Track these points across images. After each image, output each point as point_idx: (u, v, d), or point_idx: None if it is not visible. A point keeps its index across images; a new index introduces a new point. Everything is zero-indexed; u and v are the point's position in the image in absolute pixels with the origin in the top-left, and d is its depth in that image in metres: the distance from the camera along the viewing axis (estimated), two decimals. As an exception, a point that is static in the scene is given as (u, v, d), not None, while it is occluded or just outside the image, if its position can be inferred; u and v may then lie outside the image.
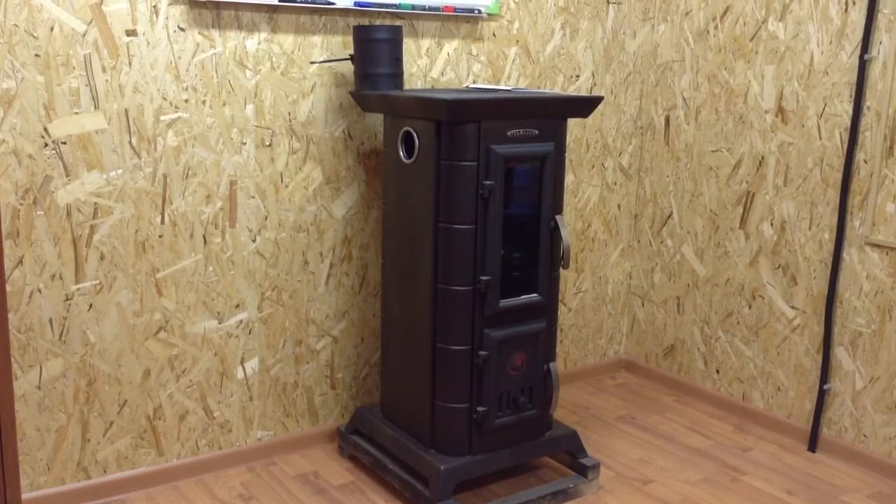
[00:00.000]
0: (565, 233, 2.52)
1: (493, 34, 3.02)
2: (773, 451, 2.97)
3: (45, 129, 2.28)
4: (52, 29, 2.25)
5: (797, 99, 2.93)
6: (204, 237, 2.58)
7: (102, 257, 2.43)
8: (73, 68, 2.29)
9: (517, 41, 3.08)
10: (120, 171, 2.41)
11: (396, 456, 2.62)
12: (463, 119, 2.31)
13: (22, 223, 2.30)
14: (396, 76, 2.60)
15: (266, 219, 2.68)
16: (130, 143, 2.41)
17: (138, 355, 2.53)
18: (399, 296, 2.59)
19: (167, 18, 2.41)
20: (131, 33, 2.36)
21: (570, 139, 3.30)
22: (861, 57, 2.73)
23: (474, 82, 3.01)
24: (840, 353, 2.89)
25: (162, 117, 2.44)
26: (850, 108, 2.78)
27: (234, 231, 2.63)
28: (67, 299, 2.40)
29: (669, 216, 3.43)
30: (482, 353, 2.44)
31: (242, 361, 2.72)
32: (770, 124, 3.02)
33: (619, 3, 3.32)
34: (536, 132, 2.43)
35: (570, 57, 3.24)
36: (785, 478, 2.78)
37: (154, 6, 2.38)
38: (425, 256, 2.45)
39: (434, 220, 2.41)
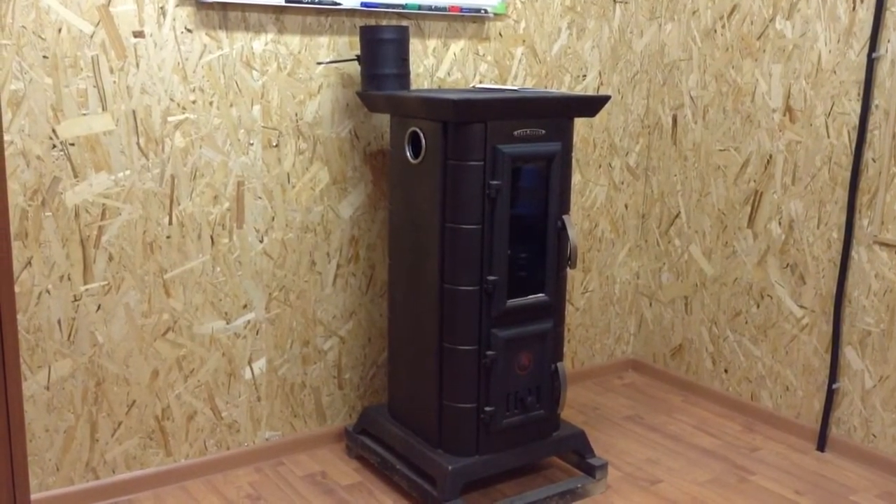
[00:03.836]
0: (572, 232, 2.51)
1: (500, 34, 3.02)
2: (781, 450, 2.96)
3: (53, 131, 2.29)
4: (59, 30, 2.26)
5: (805, 97, 2.92)
6: (211, 238, 2.59)
7: (110, 258, 2.43)
8: (81, 70, 2.30)
9: (524, 41, 3.08)
10: (128, 173, 2.42)
11: (404, 456, 2.62)
12: (469, 119, 2.31)
13: (30, 224, 2.31)
14: (403, 76, 2.60)
15: (273, 219, 2.68)
16: (138, 144, 2.42)
17: (146, 356, 2.54)
18: (406, 296, 2.59)
19: (174, 20, 2.41)
20: (138, 35, 2.37)
21: (576, 139, 3.30)
22: (869, 55, 2.72)
23: (481, 82, 3.01)
24: (849, 353, 2.88)
25: (169, 118, 2.45)
26: (858, 107, 2.77)
27: (242, 232, 2.63)
28: (76, 300, 2.40)
29: (677, 216, 3.42)
30: (489, 353, 2.44)
31: (250, 362, 2.73)
32: (778, 123, 3.01)
33: (626, 3, 3.32)
34: (543, 132, 2.43)
35: (577, 56, 3.23)
36: (793, 478, 2.77)
37: (161, 7, 2.38)
38: (432, 256, 2.45)
39: (441, 220, 2.41)
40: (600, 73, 3.31)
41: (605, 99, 2.52)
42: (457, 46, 2.92)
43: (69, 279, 2.38)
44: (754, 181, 3.11)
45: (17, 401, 1.65)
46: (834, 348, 2.90)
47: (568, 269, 2.63)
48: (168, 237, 2.52)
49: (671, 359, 3.52)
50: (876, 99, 2.73)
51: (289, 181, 2.69)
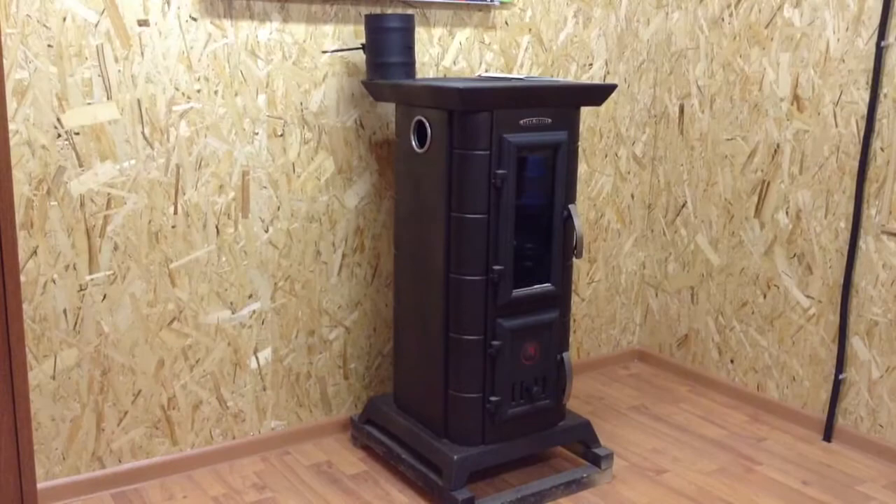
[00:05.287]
0: (578, 222, 2.50)
1: (506, 22, 3.00)
2: (787, 441, 2.96)
3: (58, 120, 2.29)
4: (64, 19, 2.25)
5: (813, 86, 2.90)
6: (217, 228, 2.58)
7: (116, 248, 2.43)
8: (86, 59, 2.30)
9: (530, 29, 3.07)
10: (133, 162, 2.42)
11: (409, 446, 2.62)
12: (475, 108, 2.30)
13: (36, 214, 2.30)
14: (408, 65, 2.59)
15: (278, 209, 2.68)
16: (143, 133, 2.42)
17: (152, 345, 2.54)
18: (411, 286, 2.59)
19: (179, 8, 2.40)
20: (143, 23, 2.36)
21: (583, 128, 3.29)
22: (878, 44, 2.70)
23: (487, 71, 3.00)
24: (856, 343, 2.87)
25: (174, 107, 2.45)
26: (866, 96, 2.75)
27: (247, 221, 2.63)
28: (81, 290, 2.41)
29: (683, 205, 3.41)
30: (495, 342, 2.43)
31: (256, 352, 2.73)
32: (785, 112, 2.99)
33: (633, -9, 3.30)
34: (549, 121, 2.42)
35: (584, 45, 3.22)
36: (800, 468, 2.77)
37: (166, -4, 2.38)
38: (438, 246, 2.45)
39: (446, 209, 2.40)
40: (607, 62, 3.29)
41: (612, 88, 2.51)
42: (462, 35, 2.91)
43: (75, 269, 2.38)
44: (761, 171, 3.09)
45: (23, 390, 1.66)
46: (841, 338, 2.89)
47: (574, 259, 2.62)
48: (173, 227, 2.51)
49: (677, 349, 3.51)
50: (884, 88, 2.71)
51: (294, 171, 2.68)
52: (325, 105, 2.70)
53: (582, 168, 3.33)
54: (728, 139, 3.20)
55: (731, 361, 3.29)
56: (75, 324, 2.42)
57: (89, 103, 2.32)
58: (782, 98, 3.00)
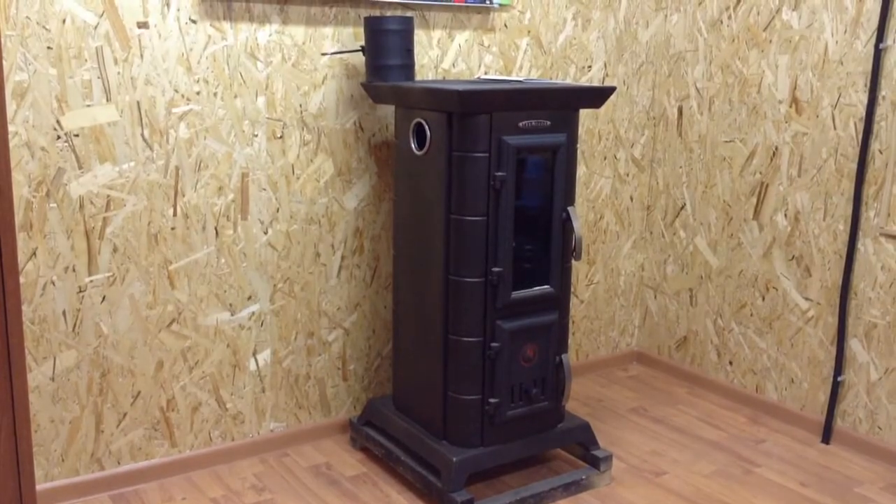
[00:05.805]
0: (577, 224, 2.51)
1: (505, 25, 3.01)
2: (786, 442, 2.96)
3: (58, 122, 2.29)
4: (64, 21, 2.25)
5: (811, 89, 2.90)
6: (216, 229, 2.58)
7: (115, 249, 2.44)
8: (86, 60, 2.30)
9: (529, 32, 3.07)
10: (132, 164, 2.42)
11: (409, 447, 2.62)
12: (474, 110, 2.30)
13: (35, 215, 2.31)
14: (408, 67, 2.59)
15: (278, 211, 2.68)
16: (142, 135, 2.42)
17: (151, 347, 2.54)
18: (411, 288, 2.59)
19: (178, 10, 2.41)
20: (143, 25, 2.36)
21: (582, 130, 3.29)
22: (876, 46, 2.70)
23: (486, 73, 3.00)
24: (854, 345, 2.87)
25: (174, 110, 2.45)
26: (864, 98, 2.76)
27: (246, 223, 2.63)
28: (80, 291, 2.41)
29: (682, 207, 3.41)
30: (494, 344, 2.44)
31: (255, 353, 2.73)
32: (784, 115, 3.00)
33: (632, -7, 3.30)
34: (548, 123, 2.42)
35: (583, 47, 3.22)
36: (798, 470, 2.77)
37: (165, -2, 2.38)
38: (437, 248, 2.45)
39: (446, 211, 2.40)
40: (605, 65, 3.30)
41: (611, 90, 2.51)
42: (462, 37, 2.91)
43: (74, 270, 2.39)
44: (760, 173, 3.10)
45: (22, 392, 1.66)
46: (839, 340, 2.89)
47: (573, 261, 2.62)
48: (173, 229, 2.51)
49: (676, 351, 3.51)
50: (883, 90, 2.71)
51: (293, 172, 2.69)
52: (325, 107, 2.70)
53: (581, 170, 3.33)
54: (727, 141, 3.21)
55: (730, 363, 3.29)
56: (74, 325, 2.42)
57: (89, 105, 2.33)
58: (781, 100, 3.00)
